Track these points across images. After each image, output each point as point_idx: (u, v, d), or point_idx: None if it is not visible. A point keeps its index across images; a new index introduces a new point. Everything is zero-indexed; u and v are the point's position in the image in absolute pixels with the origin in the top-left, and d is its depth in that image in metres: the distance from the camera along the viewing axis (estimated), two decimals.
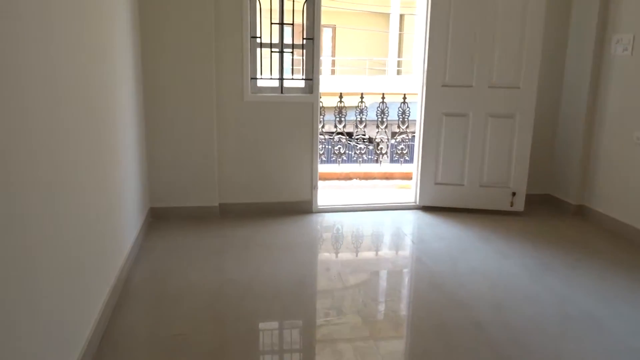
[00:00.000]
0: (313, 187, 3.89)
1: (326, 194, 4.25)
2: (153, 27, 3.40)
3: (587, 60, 3.80)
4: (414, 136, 4.32)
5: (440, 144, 3.89)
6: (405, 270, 3.11)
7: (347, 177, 5.43)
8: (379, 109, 5.33)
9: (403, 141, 5.36)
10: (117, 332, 2.21)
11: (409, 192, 4.25)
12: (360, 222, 3.78)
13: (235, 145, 3.73)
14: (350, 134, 5.62)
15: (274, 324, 2.40)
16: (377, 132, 5.40)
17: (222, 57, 3.57)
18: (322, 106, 4.46)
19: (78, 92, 1.97)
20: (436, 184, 3.96)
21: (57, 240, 1.69)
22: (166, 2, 3.39)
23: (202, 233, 3.42)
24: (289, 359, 2.16)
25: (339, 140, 5.25)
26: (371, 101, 5.99)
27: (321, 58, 3.76)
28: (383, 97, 5.31)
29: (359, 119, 5.32)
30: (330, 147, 5.58)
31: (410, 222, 3.80)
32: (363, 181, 5.38)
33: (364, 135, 5.40)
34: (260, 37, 3.67)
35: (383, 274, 3.04)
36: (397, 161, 5.51)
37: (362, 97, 5.31)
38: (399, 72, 15.48)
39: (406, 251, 3.36)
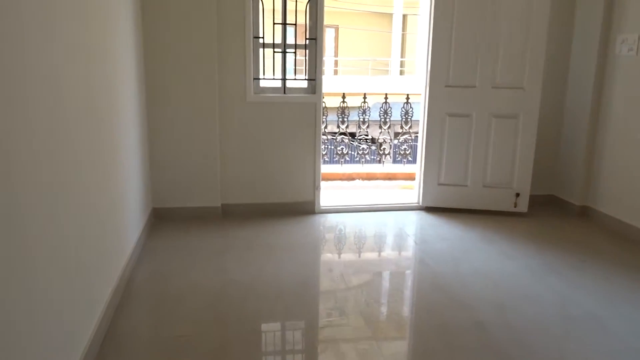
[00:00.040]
0: (316, 188, 3.88)
1: (329, 194, 4.24)
2: (155, 26, 3.39)
3: (592, 60, 3.78)
4: (416, 136, 4.31)
5: (444, 144, 3.88)
6: (407, 271, 3.10)
7: (350, 177, 5.43)
8: (381, 109, 5.33)
9: (406, 141, 5.35)
10: (119, 332, 2.21)
11: (412, 192, 4.24)
12: (363, 223, 3.77)
13: (238, 145, 3.72)
14: (353, 135, 5.61)
15: (277, 325, 2.39)
16: (380, 133, 5.39)
17: (225, 57, 3.57)
18: (325, 106, 4.45)
19: (79, 92, 1.97)
20: (439, 184, 3.95)
21: (58, 241, 1.68)
22: (168, 2, 3.39)
23: (204, 233, 3.42)
24: (291, 359, 2.15)
25: (342, 141, 5.25)
26: (374, 101, 5.99)
27: (324, 58, 3.75)
28: (386, 98, 5.30)
29: (361, 120, 5.31)
30: (333, 147, 5.58)
31: (413, 223, 3.79)
32: (366, 182, 5.37)
33: (367, 135, 5.39)
34: (262, 37, 3.67)
35: (386, 274, 3.03)
36: (399, 162, 5.50)
37: (364, 98, 5.30)
38: (401, 73, 15.47)
39: (409, 252, 3.35)
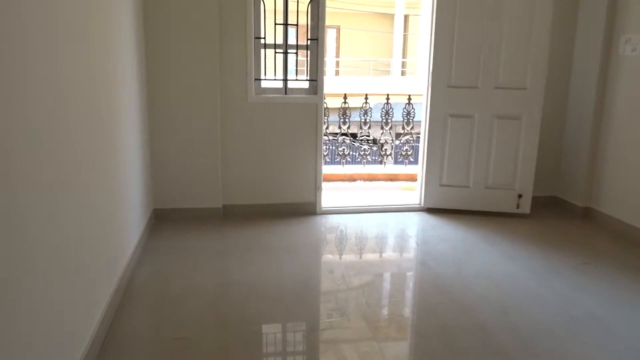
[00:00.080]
0: (317, 189, 3.87)
1: (330, 195, 4.23)
2: (156, 27, 3.39)
3: (595, 60, 3.76)
4: (418, 137, 4.30)
5: (446, 145, 3.86)
6: (409, 272, 3.09)
7: (351, 178, 5.41)
8: (383, 110, 5.31)
9: (407, 142, 5.34)
10: (120, 333, 2.20)
11: (414, 193, 4.22)
12: (365, 224, 3.76)
13: (239, 146, 3.71)
14: (354, 135, 5.60)
15: (278, 326, 2.38)
16: (382, 133, 5.38)
17: (226, 57, 3.56)
18: (327, 107, 4.44)
19: (80, 92, 1.96)
20: (441, 185, 3.93)
21: (58, 241, 1.68)
22: (169, 2, 3.38)
23: (205, 234, 3.41)
24: None
25: (343, 142, 5.23)
26: (375, 102, 5.98)
27: (325, 59, 3.74)
28: (388, 98, 5.29)
29: (363, 120, 5.30)
30: (334, 148, 5.57)
31: (414, 224, 3.78)
32: (367, 183, 5.35)
33: (369, 136, 5.38)
34: (264, 38, 3.66)
35: (387, 276, 3.02)
36: (401, 162, 5.48)
37: (366, 98, 5.29)
38: (403, 73, 15.46)
39: (410, 253, 3.33)
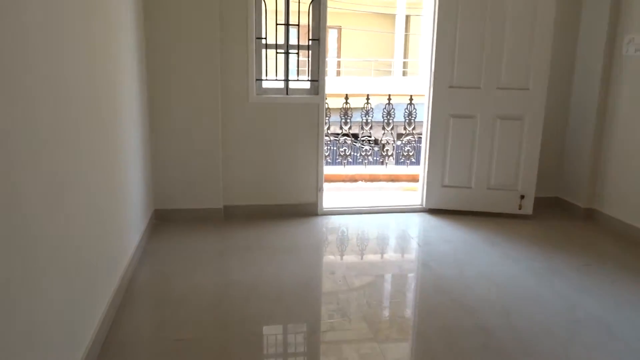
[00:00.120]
0: (318, 189, 3.86)
1: (331, 196, 4.22)
2: (157, 27, 3.38)
3: (598, 61, 3.74)
4: (420, 138, 4.29)
5: (448, 146, 3.85)
6: (410, 273, 3.08)
7: (353, 179, 5.41)
8: (384, 110, 5.30)
9: (409, 143, 5.32)
10: (121, 333, 2.19)
11: (415, 194, 4.21)
12: (366, 225, 3.75)
13: (240, 146, 3.71)
14: (355, 136, 5.59)
15: (278, 327, 2.38)
16: (383, 134, 5.37)
17: (227, 57, 3.55)
18: (328, 107, 4.43)
19: (81, 92, 1.96)
20: (443, 186, 3.92)
21: (59, 241, 1.67)
22: (170, 2, 3.38)
23: (206, 235, 3.40)
24: None
25: (345, 142, 5.23)
26: (377, 102, 5.97)
27: (327, 59, 3.74)
28: (389, 99, 5.28)
29: (364, 121, 5.29)
30: (335, 148, 5.56)
31: (416, 225, 3.77)
32: (369, 183, 5.35)
33: (370, 136, 5.37)
34: (265, 38, 3.65)
35: (388, 277, 3.01)
36: (403, 163, 5.47)
37: (368, 99, 5.28)
38: (404, 74, 15.44)
39: (412, 254, 3.32)
